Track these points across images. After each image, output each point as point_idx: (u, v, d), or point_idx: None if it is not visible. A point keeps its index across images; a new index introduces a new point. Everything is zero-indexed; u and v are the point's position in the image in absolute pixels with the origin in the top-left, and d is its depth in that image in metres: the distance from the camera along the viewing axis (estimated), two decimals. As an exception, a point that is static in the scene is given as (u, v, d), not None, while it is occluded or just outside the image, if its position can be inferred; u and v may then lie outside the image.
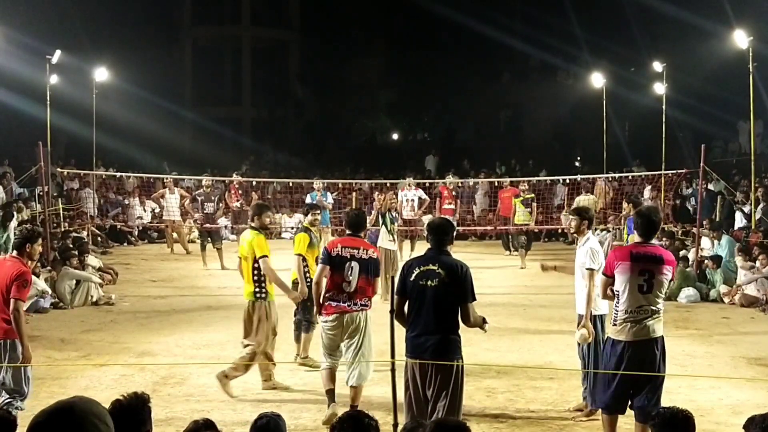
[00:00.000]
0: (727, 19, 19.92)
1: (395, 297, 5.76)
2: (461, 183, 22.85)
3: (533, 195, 17.31)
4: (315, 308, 7.34)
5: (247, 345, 7.76)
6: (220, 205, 17.31)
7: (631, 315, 5.82)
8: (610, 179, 20.95)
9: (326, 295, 6.92)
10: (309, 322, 8.75)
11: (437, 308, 5.47)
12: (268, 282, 7.66)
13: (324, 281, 6.96)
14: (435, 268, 5.51)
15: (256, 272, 7.63)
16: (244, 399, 7.62)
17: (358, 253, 6.85)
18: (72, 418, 2.12)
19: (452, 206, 18.57)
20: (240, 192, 18.95)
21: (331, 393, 7.01)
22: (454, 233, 5.90)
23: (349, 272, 6.78)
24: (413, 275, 5.57)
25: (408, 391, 5.62)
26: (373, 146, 36.62)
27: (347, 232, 7.16)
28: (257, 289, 7.68)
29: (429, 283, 5.49)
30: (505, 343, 9.96)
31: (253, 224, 7.84)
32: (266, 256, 7.62)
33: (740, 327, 11.17)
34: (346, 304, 6.85)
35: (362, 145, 36.86)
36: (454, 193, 19.46)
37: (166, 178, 19.38)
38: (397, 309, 5.70)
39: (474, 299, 5.58)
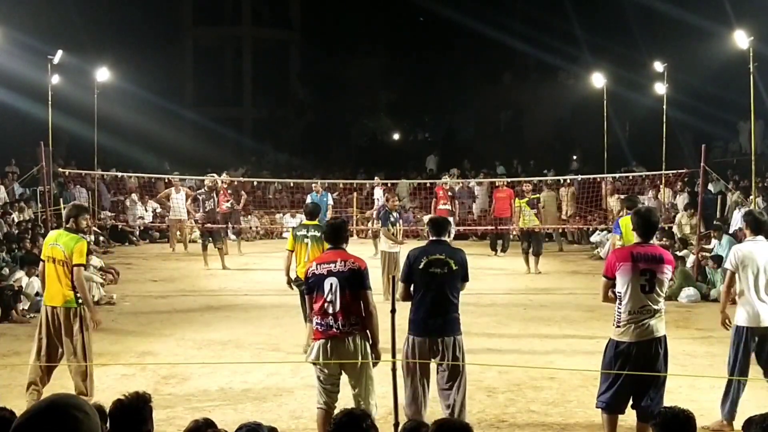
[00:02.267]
0: (728, 19, 19.91)
1: (401, 284, 6.36)
2: (461, 183, 22.86)
3: (539, 196, 16.98)
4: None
5: (73, 355, 7.31)
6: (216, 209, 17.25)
7: (635, 315, 5.83)
8: (613, 180, 20.93)
9: (315, 321, 6.05)
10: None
11: (444, 292, 6.17)
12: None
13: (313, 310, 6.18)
14: (443, 257, 6.21)
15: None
16: (245, 398, 7.63)
17: (335, 266, 5.93)
18: (53, 415, 2.13)
19: (448, 206, 18.46)
20: (229, 192, 18.87)
21: None
22: (451, 229, 6.59)
23: (329, 290, 5.89)
24: (422, 264, 6.18)
25: (408, 374, 6.23)
26: (374, 146, 36.66)
27: (327, 246, 6.34)
28: (78, 295, 7.25)
29: (438, 270, 6.15)
30: (505, 342, 9.97)
31: (69, 226, 7.34)
32: (83, 265, 7.33)
33: (741, 327, 11.15)
34: (333, 328, 5.89)
35: (363, 145, 36.90)
36: (450, 193, 19.39)
37: (173, 178, 19.43)
38: (404, 293, 6.31)
39: (468, 279, 6.40)
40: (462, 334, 6.30)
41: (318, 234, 8.99)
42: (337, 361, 5.95)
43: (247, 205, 20.95)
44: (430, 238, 6.45)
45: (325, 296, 5.90)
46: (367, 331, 5.97)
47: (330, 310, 5.89)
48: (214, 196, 16.95)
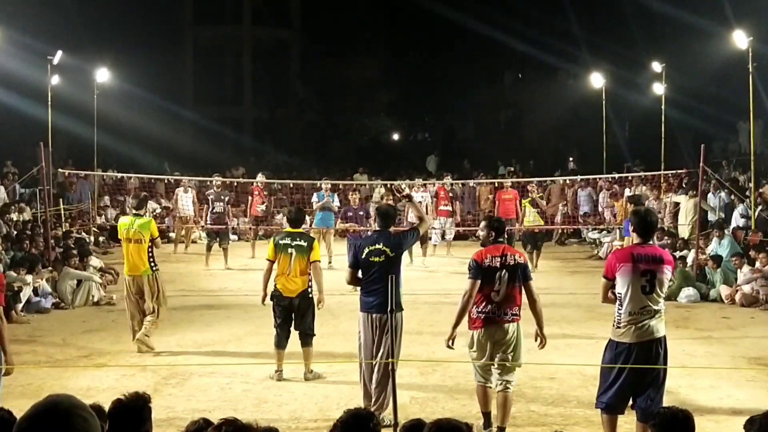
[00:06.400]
0: (727, 20, 19.94)
1: (349, 269, 7.19)
2: (462, 183, 22.83)
3: (541, 194, 17.11)
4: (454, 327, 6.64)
5: (151, 314, 9.30)
6: (229, 207, 17.18)
7: (635, 316, 5.82)
8: (610, 179, 20.95)
9: (476, 309, 6.46)
10: (309, 335, 8.36)
11: (383, 277, 6.70)
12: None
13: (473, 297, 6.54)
14: (381, 246, 6.93)
15: (150, 251, 9.33)
16: (245, 398, 7.64)
17: (505, 260, 6.44)
18: (58, 416, 2.11)
19: (449, 207, 18.22)
20: (265, 194, 18.75)
21: (487, 417, 6.61)
22: (395, 218, 7.62)
23: (498, 281, 6.38)
24: (364, 253, 6.98)
25: (359, 338, 7.09)
26: (374, 146, 36.67)
27: (490, 239, 6.66)
28: (152, 264, 9.34)
29: (376, 259, 6.91)
30: (505, 342, 9.95)
31: (141, 212, 9.55)
32: (157, 237, 9.60)
33: (740, 327, 11.17)
34: (496, 315, 6.40)
35: (363, 144, 36.91)
36: (451, 194, 19.25)
37: (183, 179, 19.41)
38: (351, 278, 7.17)
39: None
40: (402, 311, 6.92)
41: (304, 243, 8.22)
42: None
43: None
44: (375, 228, 7.28)
45: (492, 286, 6.40)
46: (534, 315, 6.55)
47: (495, 299, 6.40)
48: (224, 197, 16.87)
